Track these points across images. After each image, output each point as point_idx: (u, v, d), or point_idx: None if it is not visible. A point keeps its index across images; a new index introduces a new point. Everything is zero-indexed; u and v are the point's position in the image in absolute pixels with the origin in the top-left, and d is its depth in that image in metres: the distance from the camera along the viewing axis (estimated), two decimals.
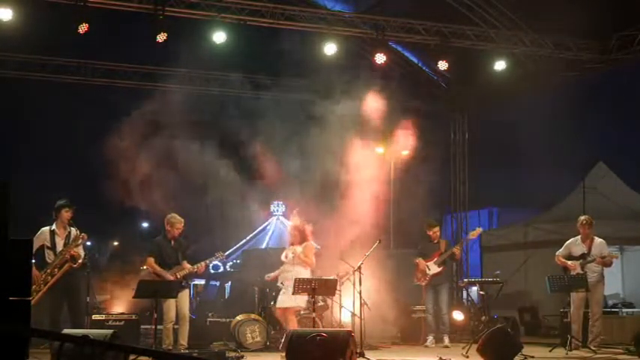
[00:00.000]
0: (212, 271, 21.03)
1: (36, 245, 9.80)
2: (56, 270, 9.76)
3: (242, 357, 10.03)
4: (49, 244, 9.96)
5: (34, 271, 9.56)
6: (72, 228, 10.05)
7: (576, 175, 15.36)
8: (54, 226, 10.06)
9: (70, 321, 9.94)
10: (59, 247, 9.95)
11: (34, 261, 9.57)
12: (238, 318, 11.55)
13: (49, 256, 9.93)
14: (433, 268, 12.03)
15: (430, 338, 12.04)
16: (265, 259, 14.93)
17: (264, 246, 28.18)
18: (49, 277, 9.69)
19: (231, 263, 23.32)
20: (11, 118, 21.35)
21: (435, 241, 12.19)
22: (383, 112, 13.00)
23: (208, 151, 12.52)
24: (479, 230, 12.47)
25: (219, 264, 21.66)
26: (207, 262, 10.92)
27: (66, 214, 10.04)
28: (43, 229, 10.06)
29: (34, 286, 9.43)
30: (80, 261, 10.00)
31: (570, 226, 11.99)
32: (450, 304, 12.63)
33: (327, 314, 11.61)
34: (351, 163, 12.30)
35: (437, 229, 12.29)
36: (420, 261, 12.10)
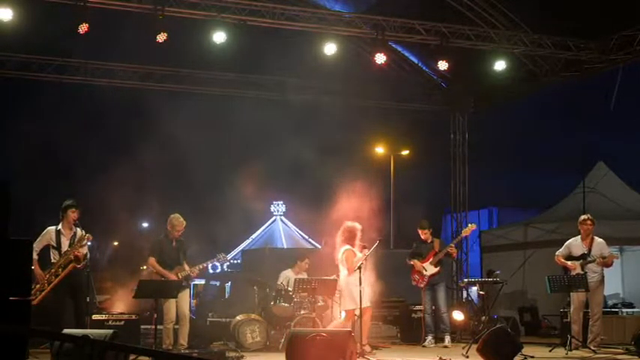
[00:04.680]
0: (212, 271, 21.01)
1: (41, 245, 9.82)
2: (60, 270, 9.74)
3: (242, 357, 10.03)
4: (54, 244, 9.94)
5: (38, 270, 9.58)
6: (77, 228, 10.03)
7: (576, 175, 15.36)
8: (60, 226, 10.03)
9: (73, 321, 9.93)
10: (64, 247, 9.92)
11: (36, 259, 9.60)
12: (238, 318, 11.54)
13: (54, 255, 9.91)
14: (430, 269, 11.98)
15: (429, 338, 12.00)
16: (264, 259, 14.94)
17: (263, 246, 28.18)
18: (53, 277, 9.68)
19: (228, 263, 23.29)
20: (11, 118, 21.36)
21: (429, 242, 12.13)
22: (383, 113, 13.01)
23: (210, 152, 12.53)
24: (472, 227, 12.35)
25: (218, 264, 21.64)
26: (207, 264, 10.93)
27: (72, 214, 10.00)
28: (49, 228, 10.01)
29: (37, 286, 9.45)
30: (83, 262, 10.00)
31: (570, 226, 11.98)
32: (448, 303, 12.59)
33: (327, 314, 11.59)
34: (351, 163, 12.29)
35: (427, 230, 12.13)
36: (416, 262, 12.04)
